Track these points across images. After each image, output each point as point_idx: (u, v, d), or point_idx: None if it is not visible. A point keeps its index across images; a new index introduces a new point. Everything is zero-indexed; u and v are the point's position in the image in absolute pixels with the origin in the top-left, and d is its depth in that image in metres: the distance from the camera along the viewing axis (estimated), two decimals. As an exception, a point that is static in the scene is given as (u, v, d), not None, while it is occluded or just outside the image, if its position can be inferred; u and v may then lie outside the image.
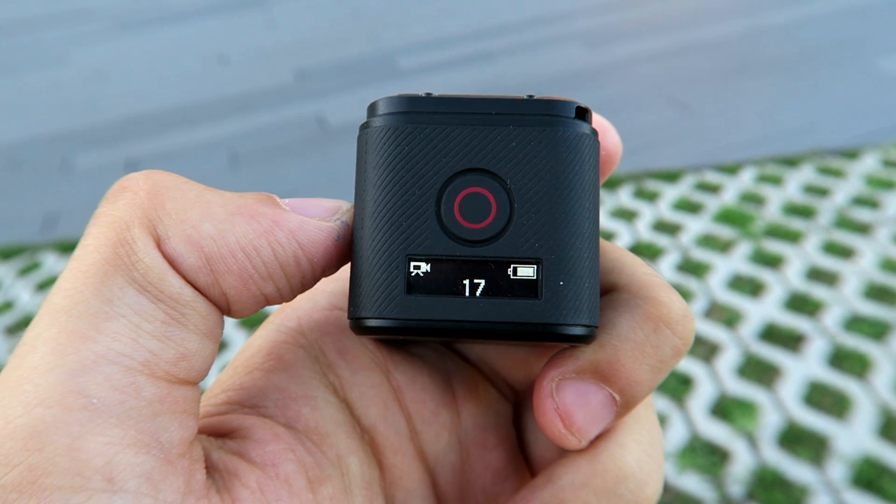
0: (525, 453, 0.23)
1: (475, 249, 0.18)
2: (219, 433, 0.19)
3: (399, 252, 0.18)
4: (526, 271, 0.18)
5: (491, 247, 0.18)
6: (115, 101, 2.92)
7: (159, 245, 0.17)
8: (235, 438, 0.19)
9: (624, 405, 0.19)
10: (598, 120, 0.21)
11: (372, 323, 0.18)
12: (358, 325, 0.19)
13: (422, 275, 0.18)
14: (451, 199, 0.18)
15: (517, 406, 0.24)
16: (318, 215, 0.19)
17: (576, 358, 0.19)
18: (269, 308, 0.92)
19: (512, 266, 0.18)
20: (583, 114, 0.19)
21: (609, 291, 0.20)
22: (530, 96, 0.19)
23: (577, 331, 0.18)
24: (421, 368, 0.22)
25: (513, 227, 0.18)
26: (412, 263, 0.18)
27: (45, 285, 1.77)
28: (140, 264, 0.16)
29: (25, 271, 1.85)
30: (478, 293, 0.18)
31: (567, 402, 0.19)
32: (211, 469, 0.17)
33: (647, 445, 0.20)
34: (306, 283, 0.19)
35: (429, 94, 0.19)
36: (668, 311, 0.19)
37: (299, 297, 0.22)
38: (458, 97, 0.19)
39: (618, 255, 0.20)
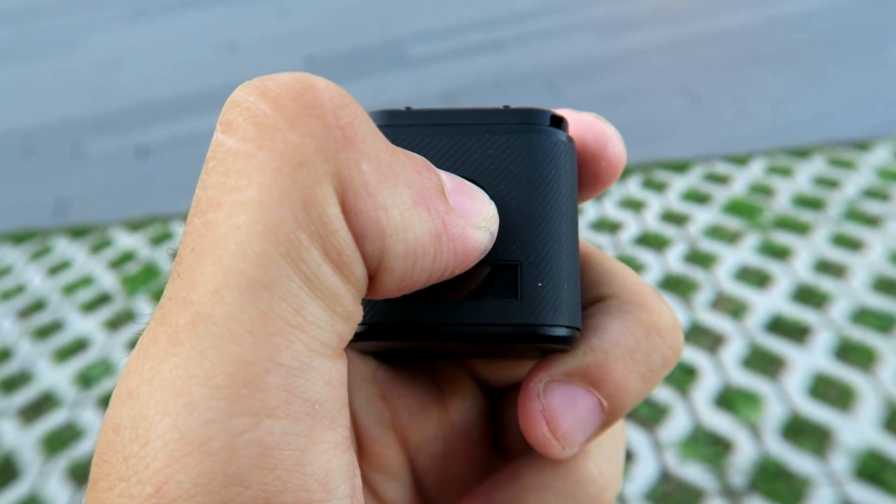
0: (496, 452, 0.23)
1: None
2: None
3: None
4: (504, 274, 0.18)
5: None
6: (127, 88, 2.93)
7: (346, 216, 0.14)
8: None
9: (611, 413, 0.18)
10: (605, 129, 0.20)
11: None
12: None
13: None
14: None
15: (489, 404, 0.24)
16: (471, 216, 0.16)
17: (565, 361, 0.18)
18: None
19: (490, 269, 0.18)
20: (558, 122, 0.19)
21: (600, 300, 0.20)
22: (506, 107, 0.19)
23: (558, 331, 0.18)
24: (407, 366, 0.22)
25: None
26: None
27: (56, 269, 1.79)
28: (334, 237, 0.13)
29: (37, 256, 1.87)
30: (455, 297, 0.18)
31: (554, 404, 0.18)
32: None
33: (609, 450, 0.20)
34: None
35: (408, 107, 0.19)
36: (659, 318, 0.19)
37: None
38: (436, 110, 0.19)
39: (609, 265, 0.20)
